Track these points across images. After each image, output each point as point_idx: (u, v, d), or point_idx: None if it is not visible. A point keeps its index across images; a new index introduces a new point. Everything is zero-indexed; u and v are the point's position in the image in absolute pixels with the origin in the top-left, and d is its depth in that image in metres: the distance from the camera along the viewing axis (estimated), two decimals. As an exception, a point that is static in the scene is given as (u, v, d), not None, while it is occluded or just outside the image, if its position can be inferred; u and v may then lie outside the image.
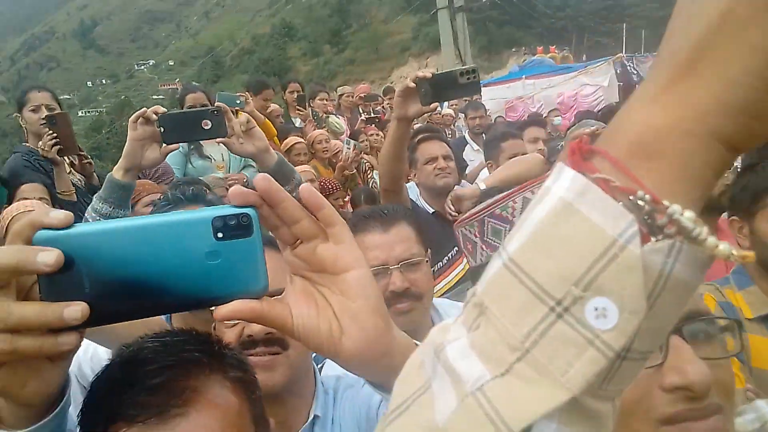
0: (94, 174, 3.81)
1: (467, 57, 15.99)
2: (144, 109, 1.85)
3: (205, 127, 1.80)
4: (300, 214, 0.64)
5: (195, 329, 0.90)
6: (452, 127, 8.73)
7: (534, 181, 1.42)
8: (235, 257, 0.61)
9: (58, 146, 3.47)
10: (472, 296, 0.44)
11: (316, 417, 1.32)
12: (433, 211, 3.01)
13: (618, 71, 14.27)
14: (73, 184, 3.63)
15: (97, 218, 1.89)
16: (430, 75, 2.06)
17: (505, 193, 1.44)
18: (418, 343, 0.64)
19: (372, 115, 7.73)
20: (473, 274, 1.52)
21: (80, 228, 0.59)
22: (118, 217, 1.92)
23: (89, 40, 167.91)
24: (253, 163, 4.84)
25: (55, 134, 3.46)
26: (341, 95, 8.00)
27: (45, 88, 4.01)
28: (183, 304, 0.63)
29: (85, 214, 1.93)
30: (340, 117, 6.91)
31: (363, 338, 0.64)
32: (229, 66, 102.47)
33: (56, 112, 3.72)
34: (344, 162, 5.35)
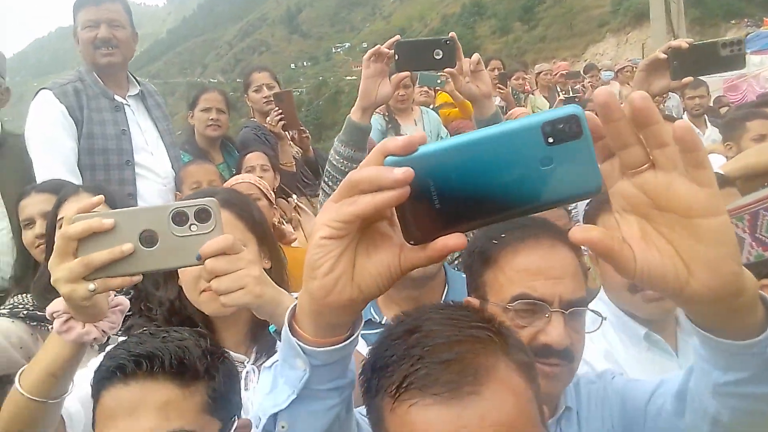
0: (311, 147, 4.10)
1: (681, 31, 14.38)
2: (377, 45, 1.96)
3: (437, 57, 1.86)
4: (635, 138, 0.62)
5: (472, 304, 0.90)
6: (661, 106, 7.94)
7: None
8: (568, 159, 0.61)
9: (283, 121, 3.79)
10: None
11: (567, 408, 1.29)
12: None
13: None
14: (293, 157, 3.95)
15: (341, 160, 2.03)
16: (687, 46, 1.85)
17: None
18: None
19: (571, 94, 7.32)
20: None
21: (422, 150, 0.63)
22: (358, 160, 2.05)
23: (294, 25, 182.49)
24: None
25: (280, 111, 3.79)
26: (539, 73, 7.70)
27: (265, 68, 4.39)
28: (523, 210, 0.64)
29: (329, 157, 2.09)
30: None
31: (717, 282, 0.62)
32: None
33: (282, 90, 4.06)
34: None
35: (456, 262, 2.57)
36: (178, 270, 1.54)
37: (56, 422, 1.24)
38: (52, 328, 1.85)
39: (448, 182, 0.62)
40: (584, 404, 1.33)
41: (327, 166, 2.12)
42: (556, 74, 7.70)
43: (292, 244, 3.09)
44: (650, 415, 1.19)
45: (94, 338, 1.14)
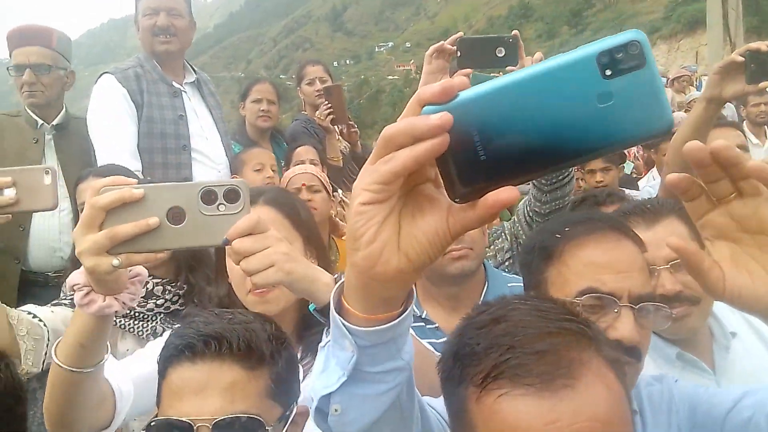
0: (359, 143, 4.10)
1: (738, 38, 13.89)
2: (441, 42, 1.93)
3: (499, 55, 1.84)
4: (722, 174, 0.68)
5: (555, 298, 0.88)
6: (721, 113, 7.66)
7: None
8: (630, 94, 0.53)
9: (332, 116, 3.80)
10: None
11: (633, 412, 1.25)
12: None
13: None
14: (341, 152, 3.96)
15: None
16: (766, 49, 1.78)
17: None
18: None
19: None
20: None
21: (463, 96, 0.57)
22: None
23: (339, 23, 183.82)
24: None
25: (330, 104, 3.80)
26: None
27: (319, 62, 4.41)
28: (581, 156, 0.56)
29: None
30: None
31: None
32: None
33: (332, 84, 4.07)
34: None
35: (506, 263, 2.53)
36: (228, 268, 1.54)
37: (97, 391, 1.25)
38: (125, 329, 1.91)
39: (493, 130, 0.56)
40: (647, 408, 1.28)
41: None
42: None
43: (344, 237, 3.12)
44: (731, 426, 1.14)
45: (116, 310, 1.14)
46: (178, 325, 1.64)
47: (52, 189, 1.24)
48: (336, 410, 0.80)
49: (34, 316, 1.74)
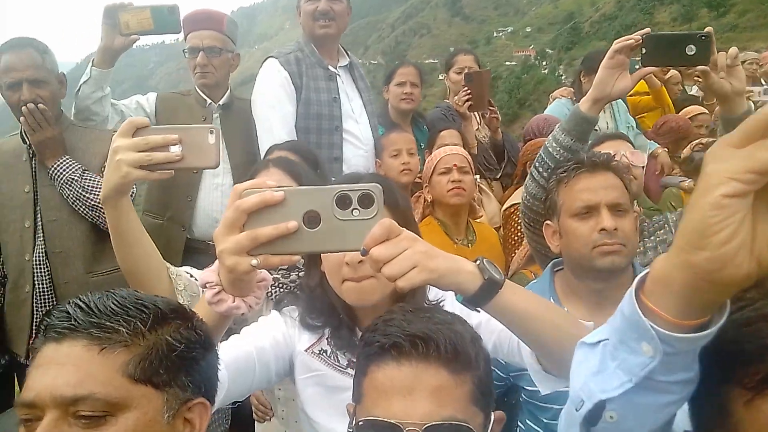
0: (499, 129, 4.05)
1: None
2: (628, 37, 1.86)
3: (689, 53, 1.76)
4: None
5: None
6: None
7: None
8: None
9: (469, 102, 3.78)
10: None
11: None
12: None
13: None
14: (477, 139, 3.92)
15: (558, 149, 1.97)
16: None
17: None
18: None
19: (779, 88, 6.48)
20: None
21: None
22: (577, 151, 1.95)
23: (457, 8, 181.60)
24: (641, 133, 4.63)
25: (469, 91, 3.77)
26: (744, 62, 6.91)
27: (470, 52, 4.43)
28: None
29: (546, 144, 2.02)
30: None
31: None
32: (587, 32, 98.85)
33: (473, 71, 4.03)
34: None
35: None
36: (321, 256, 1.51)
37: None
38: (270, 297, 2.01)
39: None
40: None
41: (541, 152, 2.04)
42: (765, 64, 6.85)
43: (478, 220, 3.13)
44: None
45: (242, 312, 1.15)
46: (274, 307, 1.66)
47: (216, 148, 1.23)
48: (611, 417, 0.74)
49: (191, 276, 1.88)
